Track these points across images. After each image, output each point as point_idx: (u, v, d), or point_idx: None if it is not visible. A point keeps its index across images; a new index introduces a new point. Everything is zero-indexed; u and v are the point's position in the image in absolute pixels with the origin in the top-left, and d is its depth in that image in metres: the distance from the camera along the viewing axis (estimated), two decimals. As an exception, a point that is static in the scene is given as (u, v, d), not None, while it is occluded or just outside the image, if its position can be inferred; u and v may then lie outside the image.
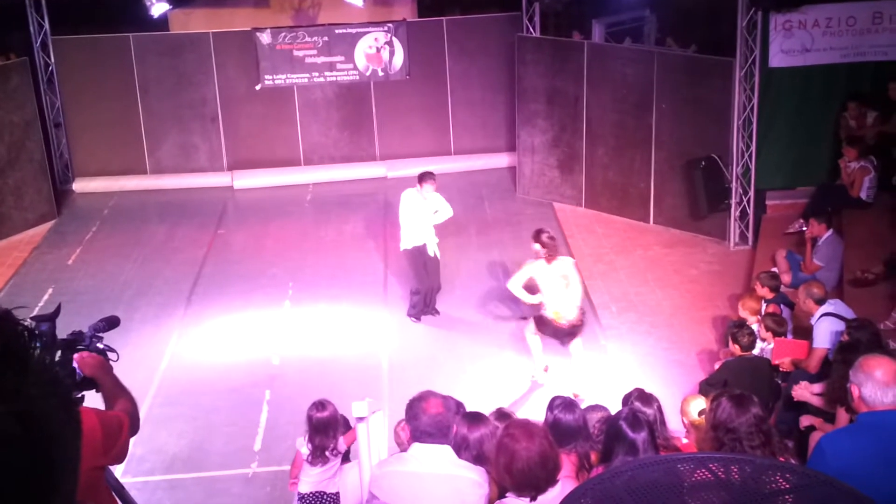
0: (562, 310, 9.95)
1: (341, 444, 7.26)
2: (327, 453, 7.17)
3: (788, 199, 13.49)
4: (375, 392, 9.89)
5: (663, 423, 6.34)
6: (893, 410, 4.53)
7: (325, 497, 7.31)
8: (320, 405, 7.21)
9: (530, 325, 10.42)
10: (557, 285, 9.98)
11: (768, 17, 12.84)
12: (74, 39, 16.36)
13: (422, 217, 11.55)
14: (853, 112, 13.04)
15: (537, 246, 9.97)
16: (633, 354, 10.96)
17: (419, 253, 11.62)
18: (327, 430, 7.15)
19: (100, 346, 4.24)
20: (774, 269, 11.33)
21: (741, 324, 9.31)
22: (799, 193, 13.39)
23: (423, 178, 11.53)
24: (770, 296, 10.04)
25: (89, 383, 4.07)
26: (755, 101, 12.92)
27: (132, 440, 4.11)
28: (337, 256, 13.89)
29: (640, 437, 5.20)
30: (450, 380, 10.10)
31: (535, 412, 8.00)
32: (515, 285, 10.21)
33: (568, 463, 5.37)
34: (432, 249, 11.62)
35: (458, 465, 5.01)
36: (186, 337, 11.86)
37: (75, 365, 4.04)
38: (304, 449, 7.23)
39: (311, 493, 7.32)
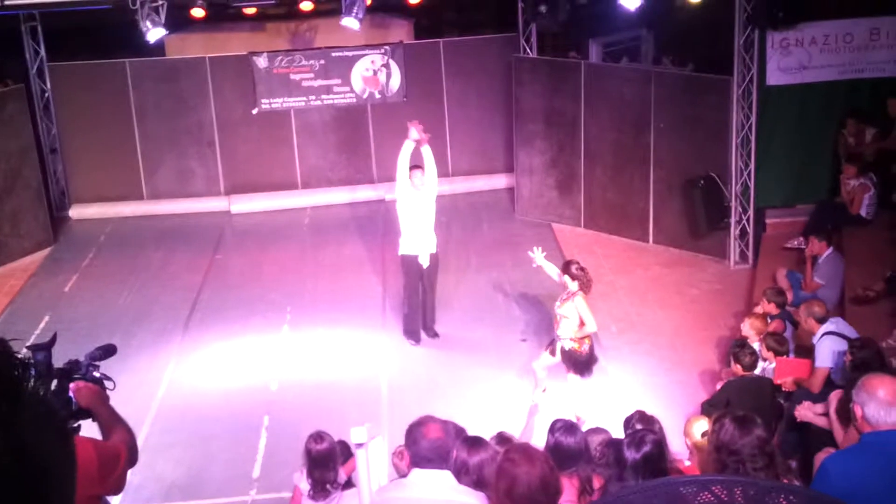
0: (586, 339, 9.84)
1: (342, 475, 7.13)
2: (328, 487, 7.03)
3: (788, 217, 13.44)
4: (375, 417, 9.81)
5: (665, 444, 6.26)
6: None
7: None
8: (318, 437, 7.04)
9: (544, 360, 10.26)
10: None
11: (765, 36, 12.83)
12: (71, 66, 16.35)
13: (418, 214, 11.35)
14: (852, 129, 13.01)
15: (567, 278, 9.75)
16: (634, 375, 10.87)
17: (415, 263, 11.52)
18: (327, 463, 6.99)
19: (96, 374, 4.24)
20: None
21: (743, 343, 9.24)
22: (799, 211, 13.34)
23: (412, 168, 11.33)
24: (776, 312, 9.98)
25: (85, 413, 4.06)
26: (753, 119, 12.89)
27: (130, 471, 4.08)
28: (335, 280, 13.82)
29: (632, 457, 5.13)
30: (450, 403, 9.99)
31: (536, 436, 7.91)
32: (591, 322, 9.78)
33: (570, 487, 5.31)
34: (425, 260, 11.49)
35: (458, 490, 4.95)
36: (184, 363, 11.78)
37: (71, 395, 4.03)
38: (304, 484, 7.09)
39: None
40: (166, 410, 10.74)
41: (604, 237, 14.56)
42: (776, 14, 12.60)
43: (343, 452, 7.19)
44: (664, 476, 5.15)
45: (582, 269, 9.86)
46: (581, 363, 9.88)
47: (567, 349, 9.82)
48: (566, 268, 9.87)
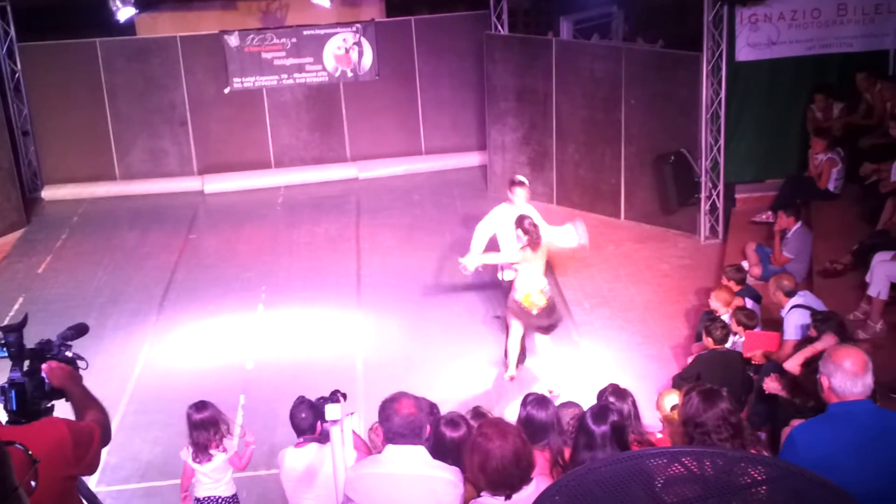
0: (535, 296, 9.92)
1: (227, 445, 7.40)
2: (211, 451, 7.32)
3: (757, 192, 13.57)
4: (350, 394, 9.79)
5: (637, 417, 6.35)
6: (863, 400, 4.58)
7: (220, 501, 7.48)
8: (200, 405, 7.36)
9: (513, 325, 10.33)
10: (537, 272, 9.95)
11: (734, 11, 12.91)
12: (41, 46, 16.21)
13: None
14: (820, 104, 13.12)
15: (520, 231, 9.85)
16: (606, 350, 10.97)
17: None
18: (208, 428, 7.29)
19: (68, 354, 4.23)
20: (743, 263, 11.42)
21: (714, 317, 9.33)
22: (768, 186, 13.47)
23: (513, 183, 10.59)
24: (736, 289, 10.10)
25: (58, 393, 4.07)
26: (723, 94, 12.99)
27: (104, 450, 4.10)
28: (310, 259, 13.86)
29: (601, 430, 5.21)
30: (425, 380, 10.09)
31: (511, 410, 8.01)
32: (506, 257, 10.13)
33: (542, 460, 5.38)
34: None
35: (432, 465, 5.02)
36: (159, 343, 11.79)
37: (44, 375, 4.04)
38: (188, 456, 7.39)
39: (205, 497, 7.48)
40: (142, 390, 10.76)
41: (576, 213, 14.57)
42: (745, -11, 12.70)
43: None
44: (626, 449, 5.24)
45: (534, 225, 9.92)
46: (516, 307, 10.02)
47: (516, 299, 9.99)
48: (519, 221, 9.93)
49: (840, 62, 13.23)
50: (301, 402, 6.71)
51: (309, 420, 6.62)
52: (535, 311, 9.94)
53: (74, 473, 3.91)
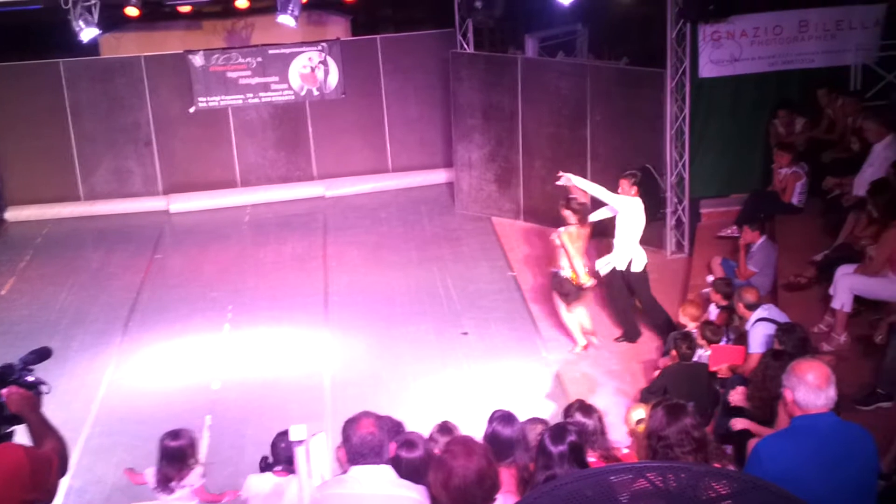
0: (581, 274, 10.85)
1: (190, 479, 7.19)
2: (171, 484, 7.14)
3: (722, 207, 13.64)
4: (318, 413, 9.85)
5: (604, 433, 6.35)
6: (826, 413, 4.59)
7: None
8: (175, 434, 7.19)
9: (562, 304, 11.15)
10: (580, 250, 10.83)
11: (697, 29, 13.02)
12: (3, 67, 16.10)
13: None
14: (783, 119, 13.24)
15: (569, 212, 10.72)
16: (575, 365, 11.00)
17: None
18: (173, 461, 7.10)
19: (30, 378, 4.19)
20: (708, 277, 11.47)
21: (686, 335, 9.36)
22: (732, 201, 13.55)
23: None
24: (724, 303, 10.13)
25: (17, 419, 4.04)
26: (687, 111, 13.08)
27: (67, 474, 4.06)
28: (276, 278, 13.82)
29: (558, 450, 5.19)
30: (393, 398, 10.08)
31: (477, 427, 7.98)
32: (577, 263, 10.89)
33: (509, 477, 5.38)
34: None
35: (398, 484, 4.99)
36: (124, 364, 11.70)
37: (3, 400, 4.00)
38: (151, 480, 7.22)
39: None
40: (107, 412, 10.65)
41: (543, 230, 14.64)
42: (707, 7, 12.78)
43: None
44: (579, 468, 5.22)
45: (581, 203, 10.97)
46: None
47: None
48: (567, 204, 10.86)
49: (802, 78, 13.36)
50: (285, 432, 6.62)
51: (288, 451, 6.57)
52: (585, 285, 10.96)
53: (32, 498, 3.87)
